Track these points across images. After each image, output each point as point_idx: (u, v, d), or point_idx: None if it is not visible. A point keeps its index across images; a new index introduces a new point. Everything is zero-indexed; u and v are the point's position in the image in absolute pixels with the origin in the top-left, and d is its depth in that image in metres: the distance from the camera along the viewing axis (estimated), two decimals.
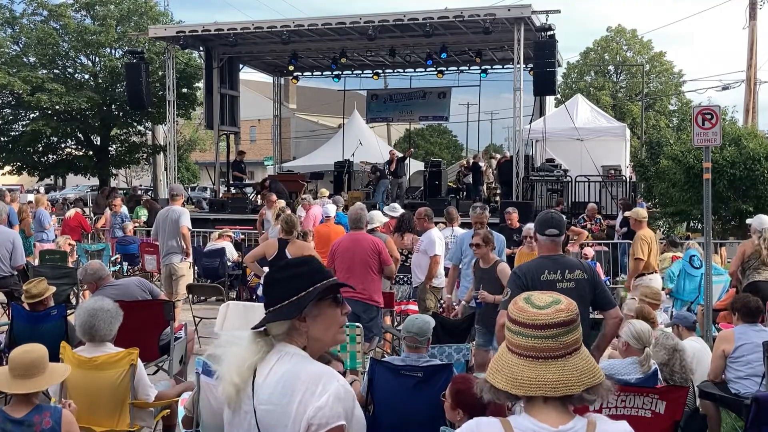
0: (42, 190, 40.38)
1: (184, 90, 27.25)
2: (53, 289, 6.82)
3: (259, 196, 22.84)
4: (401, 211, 10.95)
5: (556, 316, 1.94)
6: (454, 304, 8.10)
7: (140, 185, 40.45)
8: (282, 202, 13.81)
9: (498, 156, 22.68)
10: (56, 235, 14.04)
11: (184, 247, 9.64)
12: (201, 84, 25.82)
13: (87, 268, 6.63)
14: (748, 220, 10.32)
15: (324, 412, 2.10)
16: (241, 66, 24.89)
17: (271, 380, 2.20)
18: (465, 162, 23.60)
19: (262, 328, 2.30)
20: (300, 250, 7.90)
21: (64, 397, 4.37)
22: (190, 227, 9.91)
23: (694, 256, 9.92)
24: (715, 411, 5.78)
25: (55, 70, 27.58)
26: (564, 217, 5.30)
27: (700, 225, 15.15)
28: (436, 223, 9.50)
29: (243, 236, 16.14)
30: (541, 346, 1.92)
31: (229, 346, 2.31)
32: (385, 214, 10.18)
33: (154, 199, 22.21)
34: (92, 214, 20.68)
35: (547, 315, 1.95)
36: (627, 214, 10.57)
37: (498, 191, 20.35)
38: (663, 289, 10.05)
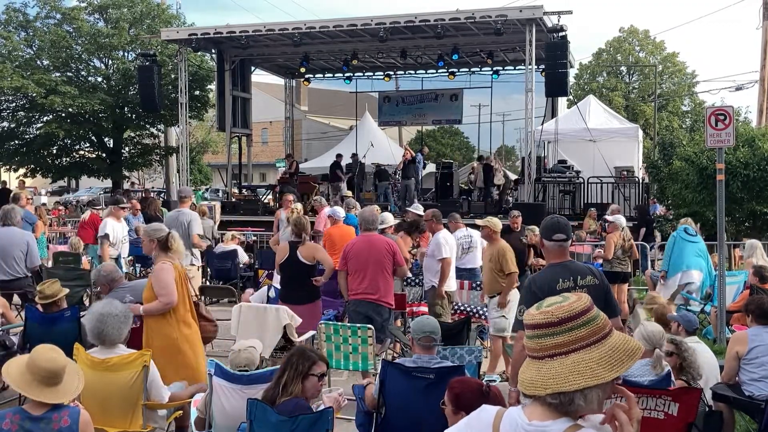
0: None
1: (197, 92, 27.33)
2: (66, 290, 6.87)
3: (270, 198, 22.91)
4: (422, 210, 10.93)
5: (536, 317, 1.99)
6: None
7: (153, 187, 40.64)
8: (299, 206, 13.78)
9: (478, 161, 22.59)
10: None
11: (195, 252, 9.66)
12: (213, 86, 25.91)
13: (100, 269, 6.65)
14: (610, 217, 10.96)
15: None
16: (252, 68, 25.00)
17: None
18: (476, 164, 23.53)
19: None
20: (311, 251, 7.81)
21: (78, 400, 4.39)
22: (201, 233, 9.82)
23: (686, 228, 10.58)
24: (729, 413, 5.74)
25: (68, 73, 27.71)
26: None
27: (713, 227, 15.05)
28: (446, 225, 9.44)
29: (255, 238, 16.22)
30: (528, 346, 2.00)
31: None
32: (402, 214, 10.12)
33: (166, 201, 22.29)
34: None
35: (532, 316, 2.00)
36: (479, 222, 8.52)
37: (509, 190, 20.36)
38: (659, 272, 10.77)
